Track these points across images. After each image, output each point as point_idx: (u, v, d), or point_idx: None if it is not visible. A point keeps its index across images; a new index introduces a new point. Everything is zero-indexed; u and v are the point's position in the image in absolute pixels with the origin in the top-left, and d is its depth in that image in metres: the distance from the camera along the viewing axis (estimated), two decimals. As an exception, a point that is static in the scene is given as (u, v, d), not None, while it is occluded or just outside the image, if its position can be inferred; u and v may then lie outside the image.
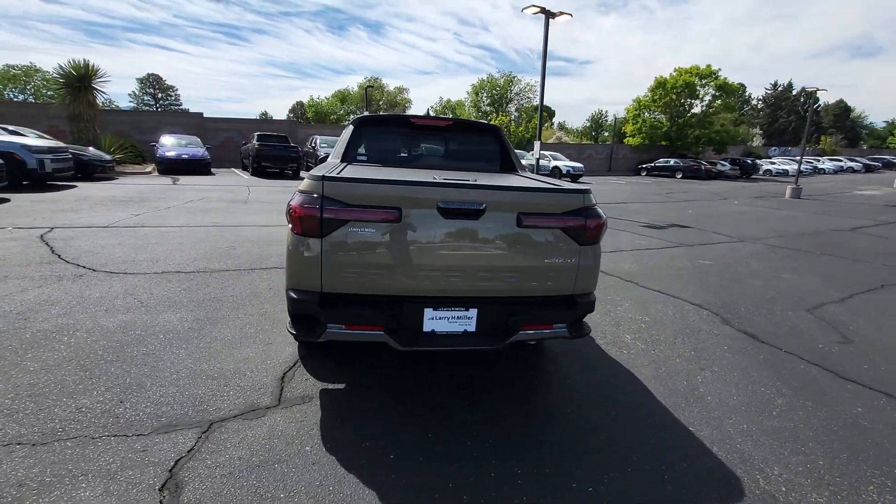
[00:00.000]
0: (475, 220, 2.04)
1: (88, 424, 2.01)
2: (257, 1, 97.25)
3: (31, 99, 37.71)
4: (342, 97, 53.94)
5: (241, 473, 1.78)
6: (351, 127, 3.33)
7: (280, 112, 79.23)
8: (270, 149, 15.41)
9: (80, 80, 13.38)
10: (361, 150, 3.34)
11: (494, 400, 2.43)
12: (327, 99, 54.82)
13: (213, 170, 16.39)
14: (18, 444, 1.87)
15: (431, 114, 43.98)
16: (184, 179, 12.82)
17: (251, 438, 1.99)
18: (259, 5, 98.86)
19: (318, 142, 16.97)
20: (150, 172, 14.46)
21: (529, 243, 2.12)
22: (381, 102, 54.37)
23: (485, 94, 46.38)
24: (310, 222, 1.93)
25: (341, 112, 53.65)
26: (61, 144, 10.38)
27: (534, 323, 2.20)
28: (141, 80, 51.49)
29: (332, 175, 1.98)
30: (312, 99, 55.77)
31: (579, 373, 2.76)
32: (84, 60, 13.13)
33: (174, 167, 14.39)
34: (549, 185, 2.33)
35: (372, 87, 50.81)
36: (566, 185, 2.36)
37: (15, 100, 36.15)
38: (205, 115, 19.82)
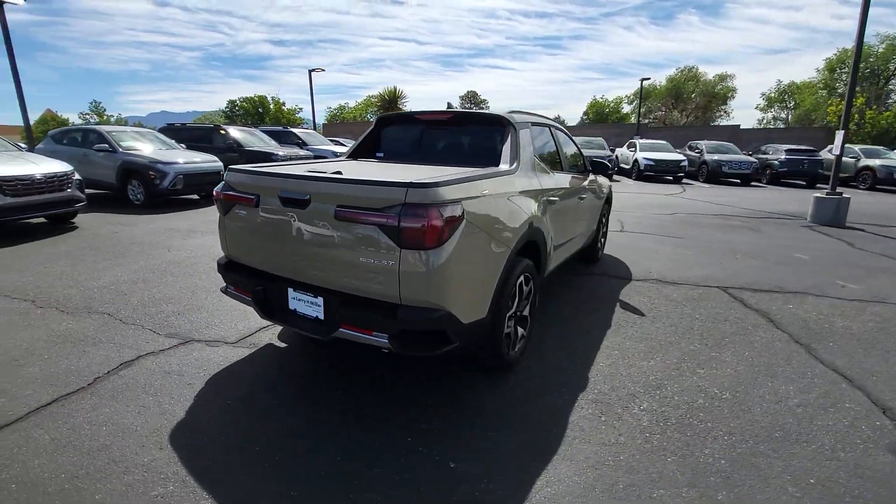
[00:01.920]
0: (303, 209, 2.25)
1: (156, 320, 3.44)
2: (579, 8, 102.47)
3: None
4: (646, 93, 50.72)
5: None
6: (372, 125, 3.78)
7: (575, 114, 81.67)
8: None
9: (390, 102, 18.49)
10: (380, 146, 3.74)
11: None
12: (628, 96, 52.67)
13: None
14: (127, 319, 3.44)
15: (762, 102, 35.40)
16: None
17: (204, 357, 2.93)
18: (580, 11, 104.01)
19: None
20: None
21: (345, 237, 2.15)
22: (692, 95, 48.15)
23: (846, 70, 33.93)
24: (218, 203, 2.66)
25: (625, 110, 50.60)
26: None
27: (352, 323, 2.21)
28: (461, 97, 64.21)
29: (233, 167, 2.63)
30: (597, 99, 54.56)
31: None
32: (394, 87, 18.16)
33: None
34: (379, 179, 2.15)
35: (677, 79, 45.47)
36: (397, 177, 2.13)
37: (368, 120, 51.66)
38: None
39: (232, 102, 34.91)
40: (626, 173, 17.91)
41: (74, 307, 3.71)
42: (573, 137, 4.51)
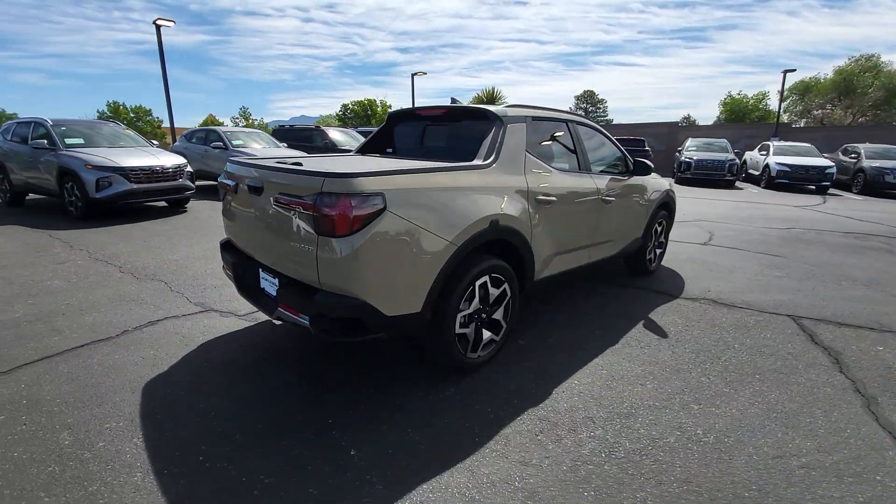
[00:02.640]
0: (259, 196, 2.45)
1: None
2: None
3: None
4: (804, 87, 43.21)
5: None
6: (385, 121, 3.88)
7: (711, 114, 72.69)
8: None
9: (487, 103, 18.51)
10: (393, 142, 3.82)
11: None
12: (779, 91, 45.28)
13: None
14: (173, 287, 4.06)
15: None
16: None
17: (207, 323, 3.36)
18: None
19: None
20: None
21: (283, 223, 2.30)
22: (869, 89, 39.76)
23: None
24: (219, 190, 3.00)
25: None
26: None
27: (286, 304, 2.34)
28: (577, 97, 61.56)
29: (230, 158, 2.95)
30: (733, 95, 47.53)
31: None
32: (492, 87, 18.16)
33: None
34: (306, 169, 2.29)
35: (849, 70, 37.90)
36: (322, 168, 2.23)
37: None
38: (613, 123, 22.43)
39: (345, 106, 38.71)
40: (754, 180, 15.58)
41: (145, 274, 4.49)
42: (610, 136, 4.11)
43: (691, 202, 10.53)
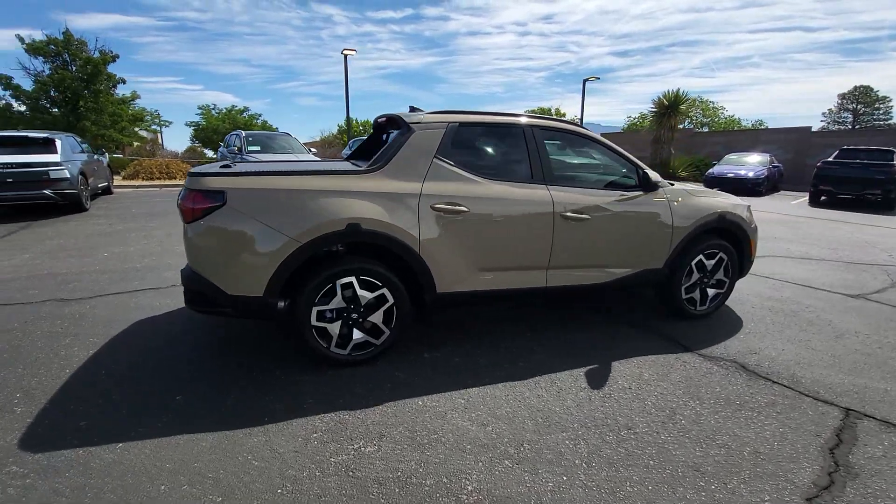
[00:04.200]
0: None
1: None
2: None
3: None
4: None
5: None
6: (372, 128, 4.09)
7: None
8: (841, 167, 11.93)
9: (668, 108, 16.30)
10: (375, 149, 4.03)
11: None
12: None
13: (778, 193, 14.97)
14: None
15: None
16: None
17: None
18: None
19: None
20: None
21: None
22: None
23: None
24: None
25: None
26: None
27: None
28: (842, 95, 47.49)
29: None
30: None
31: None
32: (676, 90, 15.85)
33: (720, 185, 14.61)
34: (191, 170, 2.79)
35: None
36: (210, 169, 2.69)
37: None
38: (813, 129, 17.24)
39: None
40: None
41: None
42: (610, 144, 3.46)
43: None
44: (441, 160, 2.93)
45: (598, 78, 20.59)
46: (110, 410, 2.40)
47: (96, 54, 16.97)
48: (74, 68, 16.45)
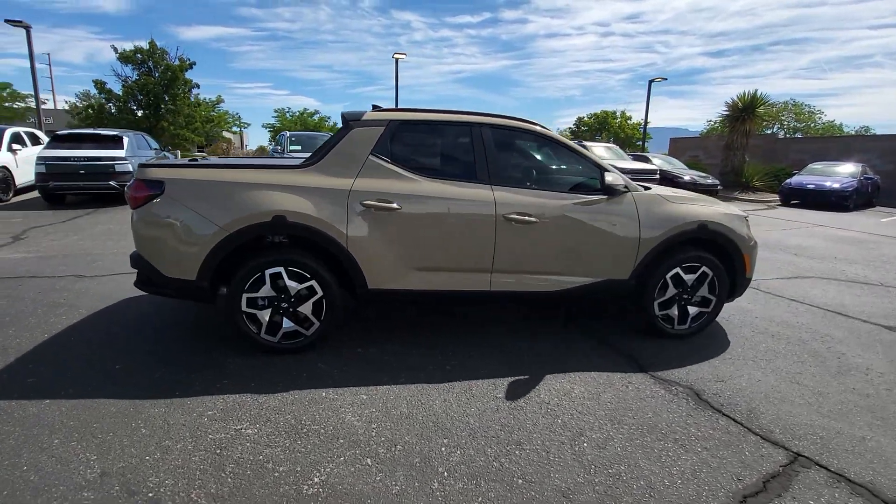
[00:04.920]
0: None
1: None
2: None
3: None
4: None
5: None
6: None
7: None
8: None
9: (742, 111, 14.87)
10: None
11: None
12: None
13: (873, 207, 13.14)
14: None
15: None
16: (799, 215, 11.57)
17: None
18: None
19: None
20: (770, 202, 14.05)
21: None
22: None
23: None
24: None
25: None
26: None
27: None
28: None
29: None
30: None
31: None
32: (754, 90, 14.41)
33: (799, 198, 13.11)
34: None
35: None
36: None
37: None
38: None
39: (579, 119, 38.48)
40: None
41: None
42: (574, 146, 3.27)
43: None
44: (377, 157, 2.97)
45: (665, 79, 19.26)
46: (59, 371, 2.71)
47: (176, 62, 19.04)
48: (157, 74, 18.62)
